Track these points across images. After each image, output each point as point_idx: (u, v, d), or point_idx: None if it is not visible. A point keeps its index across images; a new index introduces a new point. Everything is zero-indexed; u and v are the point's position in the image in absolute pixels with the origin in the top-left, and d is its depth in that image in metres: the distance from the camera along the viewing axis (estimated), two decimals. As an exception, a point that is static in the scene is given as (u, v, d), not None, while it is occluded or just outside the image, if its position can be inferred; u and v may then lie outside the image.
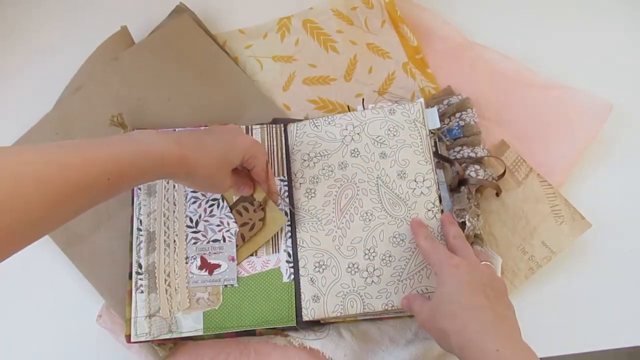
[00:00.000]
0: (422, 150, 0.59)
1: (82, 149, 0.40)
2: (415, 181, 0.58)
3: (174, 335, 0.56)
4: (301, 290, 0.58)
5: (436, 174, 0.59)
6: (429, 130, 0.61)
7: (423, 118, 0.60)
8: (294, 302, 0.58)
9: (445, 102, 0.65)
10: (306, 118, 0.66)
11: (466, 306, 0.45)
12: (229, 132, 0.53)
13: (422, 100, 0.61)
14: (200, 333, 0.57)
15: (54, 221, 0.39)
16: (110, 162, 0.41)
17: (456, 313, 0.45)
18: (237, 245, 0.59)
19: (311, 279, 0.58)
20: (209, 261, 0.59)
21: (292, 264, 0.59)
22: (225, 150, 0.51)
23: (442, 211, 0.58)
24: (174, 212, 0.60)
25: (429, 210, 0.57)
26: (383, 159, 0.60)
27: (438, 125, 0.62)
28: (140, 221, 0.59)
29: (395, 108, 0.61)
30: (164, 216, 0.60)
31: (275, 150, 0.63)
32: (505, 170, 0.63)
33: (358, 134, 0.61)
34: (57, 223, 0.39)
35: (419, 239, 0.53)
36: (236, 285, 0.58)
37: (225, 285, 0.58)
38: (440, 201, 0.58)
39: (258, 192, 0.59)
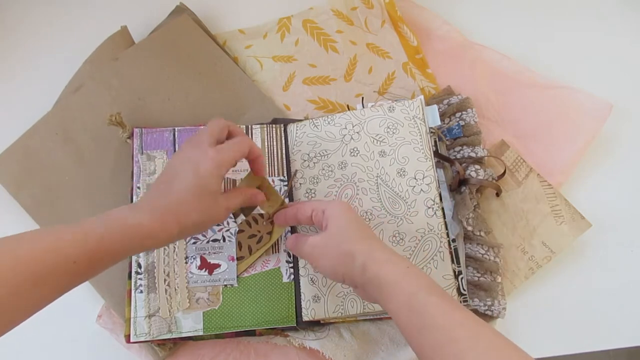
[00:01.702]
0: (422, 147, 0.59)
1: (43, 235, 0.39)
2: (415, 178, 0.58)
3: (174, 335, 0.56)
4: (301, 291, 0.58)
5: (436, 172, 0.59)
6: (429, 129, 0.61)
7: (423, 114, 0.60)
8: (294, 302, 0.58)
9: (445, 102, 0.65)
10: (306, 118, 0.66)
11: (367, 234, 0.49)
12: (188, 158, 0.47)
13: (422, 97, 0.61)
14: (200, 333, 0.56)
15: (13, 315, 0.37)
16: (75, 245, 0.39)
17: (359, 237, 0.47)
18: (242, 257, 0.59)
19: (311, 279, 0.58)
20: (208, 261, 0.59)
21: (292, 264, 0.59)
22: (198, 183, 0.46)
23: (442, 209, 0.58)
24: (173, 212, 0.60)
25: (429, 208, 0.57)
26: (382, 157, 0.60)
27: (438, 122, 0.62)
28: (140, 221, 0.59)
29: (394, 105, 0.61)
30: (164, 216, 0.60)
31: (275, 150, 0.63)
32: (505, 170, 0.63)
33: (357, 132, 0.61)
34: (18, 316, 0.37)
35: (301, 249, 0.51)
36: (236, 285, 0.58)
37: (225, 285, 0.58)
38: (441, 199, 0.58)
39: (268, 205, 0.56)
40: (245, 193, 0.52)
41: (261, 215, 0.58)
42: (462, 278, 0.56)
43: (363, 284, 0.45)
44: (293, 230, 0.60)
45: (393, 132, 0.60)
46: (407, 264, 0.45)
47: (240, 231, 0.59)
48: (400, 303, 0.42)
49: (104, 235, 0.40)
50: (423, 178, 0.58)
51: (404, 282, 0.42)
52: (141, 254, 0.58)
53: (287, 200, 0.61)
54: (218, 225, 0.59)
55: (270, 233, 0.58)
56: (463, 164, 0.62)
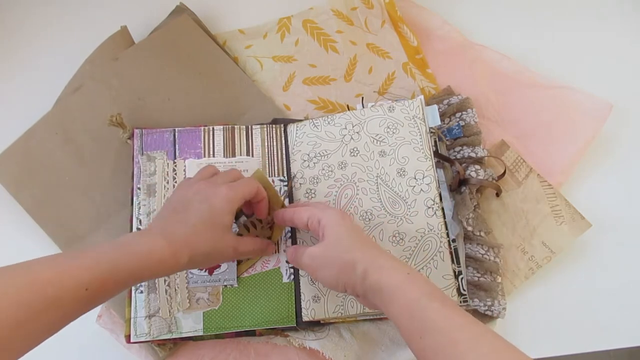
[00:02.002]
0: (422, 147, 0.59)
1: (54, 261, 0.39)
2: (414, 178, 0.58)
3: (174, 336, 0.56)
4: (301, 291, 0.58)
5: (436, 172, 0.59)
6: (429, 129, 0.61)
7: (423, 114, 0.60)
8: (294, 302, 0.58)
9: (445, 102, 0.65)
10: (306, 118, 0.66)
11: (365, 241, 0.49)
12: (203, 190, 0.49)
13: (421, 96, 0.61)
14: (200, 333, 0.56)
15: (22, 342, 0.36)
16: (87, 271, 0.39)
17: (358, 246, 0.48)
18: (241, 260, 0.59)
19: (311, 279, 0.58)
20: (208, 261, 0.59)
21: (292, 264, 0.59)
22: (212, 216, 0.48)
23: (442, 209, 0.58)
24: (173, 212, 0.60)
25: (429, 208, 0.57)
26: (382, 157, 0.60)
27: (438, 122, 0.62)
28: (140, 221, 0.59)
29: (394, 105, 0.61)
30: (164, 216, 0.60)
31: (275, 151, 0.63)
32: (505, 170, 0.63)
33: (357, 132, 0.61)
34: (26, 344, 0.37)
35: (300, 260, 0.52)
36: (236, 285, 0.58)
37: (225, 286, 0.58)
38: (441, 199, 0.58)
39: (275, 235, 0.58)
40: (260, 244, 0.55)
41: (260, 220, 0.58)
42: (462, 278, 0.56)
43: (364, 291, 0.45)
44: (293, 234, 0.60)
45: (393, 132, 0.60)
46: (407, 269, 0.45)
47: (238, 234, 0.59)
48: (402, 308, 0.42)
49: (115, 263, 0.41)
50: (423, 178, 0.58)
51: (406, 288, 0.42)
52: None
53: (286, 201, 0.61)
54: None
55: (270, 237, 0.58)
56: (463, 164, 0.62)
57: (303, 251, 0.50)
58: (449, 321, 0.40)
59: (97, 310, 0.60)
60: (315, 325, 0.59)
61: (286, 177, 0.62)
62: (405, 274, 0.44)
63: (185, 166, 0.62)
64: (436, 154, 0.61)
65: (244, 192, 0.50)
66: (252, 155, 0.63)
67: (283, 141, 0.63)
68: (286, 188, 0.62)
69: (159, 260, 0.43)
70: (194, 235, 0.46)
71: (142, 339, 0.56)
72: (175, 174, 0.61)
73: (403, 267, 0.45)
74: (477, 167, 0.61)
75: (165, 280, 0.58)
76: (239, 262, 0.59)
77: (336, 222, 0.49)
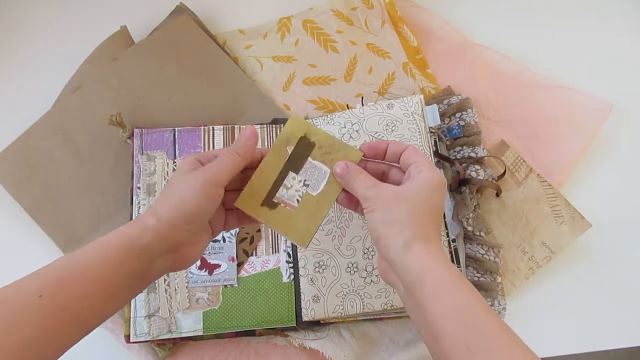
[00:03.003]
0: (421, 144, 0.59)
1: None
2: None
3: (174, 335, 0.56)
4: (301, 290, 0.58)
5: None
6: (429, 129, 0.61)
7: (422, 111, 0.60)
8: (294, 302, 0.58)
9: (445, 102, 0.65)
10: (306, 118, 0.66)
11: (435, 219, 0.43)
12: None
13: (421, 95, 0.61)
14: (200, 333, 0.56)
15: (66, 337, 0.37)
16: (36, 277, 0.36)
17: (426, 218, 0.42)
18: (241, 262, 0.59)
19: (311, 279, 0.58)
20: (208, 261, 0.59)
21: (292, 264, 0.59)
22: (173, 175, 0.44)
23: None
24: (173, 211, 0.60)
25: (444, 195, 0.57)
26: (382, 156, 0.60)
27: (438, 122, 0.62)
28: (140, 221, 0.59)
29: (393, 102, 0.61)
30: (164, 216, 0.60)
31: (275, 150, 0.63)
32: (505, 170, 0.63)
33: (357, 131, 0.61)
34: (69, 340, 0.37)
35: (359, 186, 0.45)
36: (236, 285, 0.58)
37: (225, 285, 0.58)
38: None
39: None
40: (234, 151, 0.46)
41: None
42: (462, 278, 0.56)
43: (397, 263, 0.40)
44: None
45: (392, 130, 0.60)
46: (458, 271, 0.40)
47: None
48: (448, 309, 0.37)
49: (75, 258, 0.38)
50: None
51: (456, 288, 0.38)
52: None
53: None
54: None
55: (259, 231, 0.58)
56: (463, 164, 0.62)
57: (363, 177, 0.45)
58: (505, 342, 0.37)
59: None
60: (315, 325, 0.59)
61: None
62: (457, 274, 0.39)
63: (185, 166, 0.62)
64: (436, 153, 0.61)
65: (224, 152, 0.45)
66: (252, 155, 0.63)
67: (283, 141, 0.63)
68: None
69: (120, 234, 0.39)
70: (156, 200, 0.43)
71: (142, 339, 0.56)
72: (175, 173, 0.61)
73: (453, 266, 0.40)
74: (477, 167, 0.61)
75: (165, 280, 0.58)
76: (239, 264, 0.59)
77: (432, 184, 0.43)
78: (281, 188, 0.47)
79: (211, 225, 0.46)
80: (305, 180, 0.47)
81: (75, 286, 0.37)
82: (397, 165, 0.47)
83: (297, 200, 0.47)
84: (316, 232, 0.47)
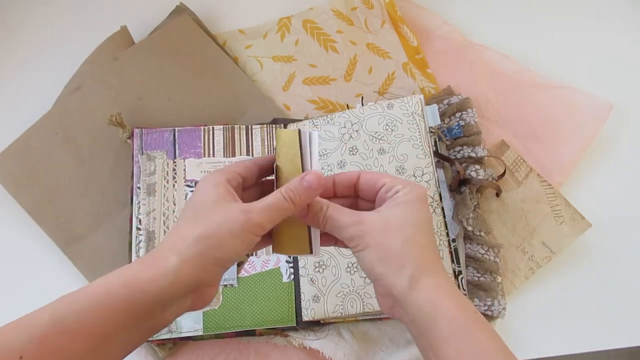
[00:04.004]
0: (421, 144, 0.59)
1: None
2: (414, 176, 0.58)
3: (174, 335, 0.56)
4: (301, 290, 0.58)
5: (436, 172, 0.59)
6: (429, 129, 0.61)
7: (422, 111, 0.60)
8: (294, 302, 0.58)
9: (445, 102, 0.65)
10: (306, 118, 0.66)
11: (431, 244, 0.39)
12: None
13: (421, 95, 0.61)
14: (200, 333, 0.56)
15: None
16: (23, 330, 0.31)
17: (424, 245, 0.38)
18: (241, 262, 0.59)
19: (311, 279, 0.58)
20: (208, 261, 0.58)
21: (291, 264, 0.59)
22: (192, 200, 0.38)
23: (442, 208, 0.57)
24: (173, 211, 0.60)
25: (429, 205, 0.57)
26: (381, 155, 0.60)
27: (438, 122, 0.62)
28: (140, 220, 0.59)
29: (393, 102, 0.61)
30: (164, 215, 0.60)
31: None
32: (505, 170, 0.63)
33: (356, 131, 0.61)
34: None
35: (337, 219, 0.39)
36: (236, 285, 0.58)
37: (225, 285, 0.58)
38: (441, 198, 0.58)
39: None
40: (282, 197, 0.38)
41: None
42: (462, 278, 0.56)
43: (406, 302, 0.36)
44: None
45: (392, 130, 0.60)
46: (473, 308, 0.37)
47: None
48: (465, 354, 0.34)
49: (60, 309, 0.32)
50: (422, 175, 0.58)
51: (474, 335, 0.35)
52: (141, 254, 0.58)
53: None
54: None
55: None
56: (463, 164, 0.62)
57: (337, 214, 0.39)
58: None
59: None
60: (315, 325, 0.59)
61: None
62: (473, 313, 0.36)
63: (185, 166, 0.62)
64: (436, 153, 0.61)
65: (230, 166, 0.41)
66: (252, 155, 0.63)
67: (283, 141, 0.63)
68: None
69: (127, 278, 0.33)
70: (176, 229, 0.36)
71: (142, 339, 0.56)
72: (175, 173, 0.61)
73: (469, 304, 0.37)
74: (477, 167, 0.61)
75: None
76: (239, 264, 0.59)
77: (415, 199, 0.39)
78: None
79: None
80: None
81: (64, 345, 0.31)
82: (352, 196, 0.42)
83: None
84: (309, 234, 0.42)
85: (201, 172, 0.62)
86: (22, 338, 0.30)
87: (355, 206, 0.43)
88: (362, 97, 0.67)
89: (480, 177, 0.60)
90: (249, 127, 0.64)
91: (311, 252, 0.41)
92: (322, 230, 0.40)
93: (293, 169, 0.40)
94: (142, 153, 0.61)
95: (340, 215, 0.39)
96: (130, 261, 0.58)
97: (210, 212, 0.36)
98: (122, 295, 0.32)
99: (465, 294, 0.56)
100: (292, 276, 0.59)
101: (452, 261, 0.56)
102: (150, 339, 0.56)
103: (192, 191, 0.60)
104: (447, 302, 0.36)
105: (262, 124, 0.64)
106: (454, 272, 0.56)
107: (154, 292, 0.33)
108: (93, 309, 0.32)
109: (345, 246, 0.40)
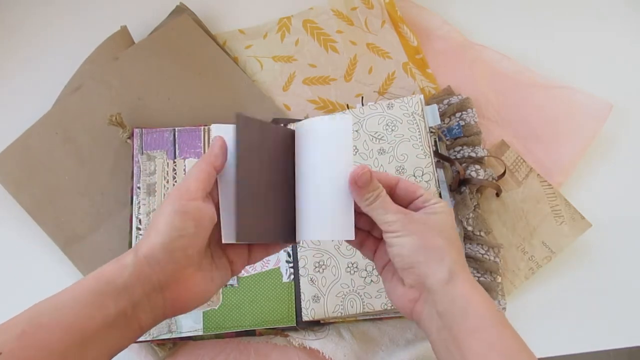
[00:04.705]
0: (421, 144, 0.59)
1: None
2: (414, 176, 0.58)
3: (174, 335, 0.56)
4: (301, 290, 0.58)
5: (436, 172, 0.59)
6: (429, 129, 0.61)
7: (422, 111, 0.60)
8: (294, 302, 0.58)
9: (445, 102, 0.65)
10: (306, 118, 0.66)
11: (462, 250, 0.42)
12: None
13: (421, 95, 0.61)
14: (200, 333, 0.56)
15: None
16: (2, 330, 0.32)
17: (459, 248, 0.41)
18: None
19: (311, 279, 0.58)
20: (208, 261, 0.58)
21: (292, 264, 0.59)
22: (167, 198, 0.38)
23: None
24: (173, 211, 0.60)
25: None
26: (381, 155, 0.60)
27: (438, 122, 0.62)
28: (140, 220, 0.59)
29: (393, 102, 0.61)
30: (164, 216, 0.60)
31: (275, 150, 0.63)
32: (505, 170, 0.63)
33: (356, 131, 0.61)
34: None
35: (380, 207, 0.41)
36: (236, 285, 0.58)
37: (225, 285, 0.58)
38: (441, 198, 0.58)
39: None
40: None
41: None
42: (462, 278, 0.56)
43: (437, 293, 0.38)
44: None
45: (392, 130, 0.60)
46: (499, 309, 0.40)
47: None
48: (492, 349, 0.36)
49: (36, 311, 0.34)
50: (422, 175, 0.58)
51: (504, 331, 0.37)
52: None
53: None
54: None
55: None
56: (463, 164, 0.62)
57: (387, 199, 0.41)
58: None
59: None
60: (315, 325, 0.59)
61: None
62: (499, 313, 0.38)
63: (185, 165, 0.62)
64: (436, 153, 0.61)
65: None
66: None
67: (283, 141, 0.63)
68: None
69: (95, 275, 0.35)
70: (149, 226, 0.38)
71: (142, 339, 0.56)
72: (175, 173, 0.61)
73: (494, 302, 0.39)
74: (477, 167, 0.61)
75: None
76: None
77: (449, 213, 0.42)
78: None
79: (230, 259, 0.41)
80: None
81: (42, 338, 0.32)
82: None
83: None
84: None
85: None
86: (1, 336, 0.31)
87: None
88: (362, 97, 0.67)
89: (480, 177, 0.60)
90: (249, 127, 0.64)
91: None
92: (369, 209, 0.41)
93: None
94: (142, 153, 0.61)
95: (389, 199, 0.41)
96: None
97: (154, 214, 0.39)
98: (92, 289, 0.34)
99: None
100: (292, 276, 0.59)
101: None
102: (150, 339, 0.56)
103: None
104: (479, 298, 0.37)
105: (262, 124, 0.64)
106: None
107: (117, 282, 0.35)
108: (68, 303, 0.33)
109: (365, 250, 0.44)
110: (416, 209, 0.42)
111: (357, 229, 0.43)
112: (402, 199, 0.43)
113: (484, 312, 0.37)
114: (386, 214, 0.40)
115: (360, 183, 0.40)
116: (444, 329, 0.37)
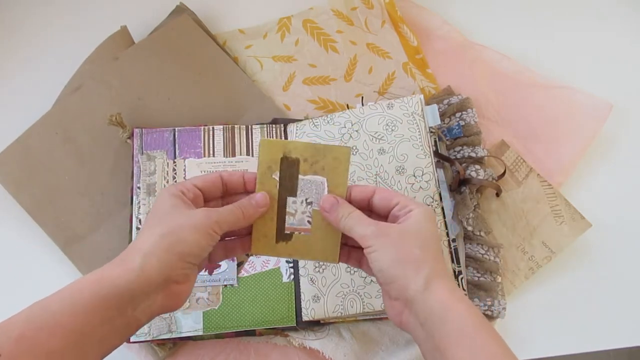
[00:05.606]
0: (421, 144, 0.59)
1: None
2: (414, 176, 0.58)
3: (174, 335, 0.56)
4: (301, 290, 0.58)
5: (436, 172, 0.59)
6: (429, 129, 0.61)
7: (422, 111, 0.60)
8: (294, 302, 0.58)
9: (445, 102, 0.65)
10: (306, 118, 0.66)
11: (441, 256, 0.42)
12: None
13: (421, 95, 0.61)
14: (200, 333, 0.56)
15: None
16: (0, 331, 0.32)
17: (436, 254, 0.41)
18: (241, 262, 0.59)
19: (311, 279, 0.58)
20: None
21: (292, 264, 0.59)
22: (155, 203, 0.41)
23: (442, 208, 0.58)
24: (173, 211, 0.60)
25: (429, 205, 0.57)
26: (381, 155, 0.60)
27: (438, 122, 0.62)
28: (140, 220, 0.59)
29: (393, 102, 0.61)
30: (164, 216, 0.60)
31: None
32: (505, 170, 0.63)
33: (356, 131, 0.61)
34: None
35: (356, 224, 0.42)
36: (236, 285, 0.58)
37: (225, 285, 0.58)
38: (441, 198, 0.58)
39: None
40: (243, 205, 0.43)
41: None
42: (462, 278, 0.56)
43: (417, 303, 0.38)
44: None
45: (392, 130, 0.60)
46: (481, 314, 0.39)
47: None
48: (474, 354, 0.35)
49: (31, 313, 0.34)
50: (422, 175, 0.58)
51: (485, 335, 0.36)
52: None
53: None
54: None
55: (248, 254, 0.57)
56: (463, 164, 0.62)
57: (358, 214, 0.42)
58: None
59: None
60: (315, 325, 0.59)
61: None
62: (479, 314, 0.38)
63: (185, 165, 0.62)
64: (436, 153, 0.61)
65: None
66: (252, 155, 0.63)
67: (283, 141, 0.63)
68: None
69: (96, 277, 0.36)
70: (140, 234, 0.39)
71: (142, 339, 0.56)
72: (175, 173, 0.61)
73: (475, 307, 0.39)
74: (477, 167, 0.61)
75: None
76: (239, 264, 0.59)
77: (427, 218, 0.41)
78: (287, 217, 0.45)
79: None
80: (307, 199, 0.45)
81: (40, 342, 0.32)
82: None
83: (308, 221, 0.45)
84: (340, 242, 0.45)
85: (201, 172, 0.62)
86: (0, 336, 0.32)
87: None
88: (362, 97, 0.67)
89: (480, 177, 0.60)
90: (249, 127, 0.64)
91: (337, 261, 0.45)
92: (341, 226, 0.42)
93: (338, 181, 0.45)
94: (142, 153, 0.62)
95: (361, 215, 0.42)
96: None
97: (171, 215, 0.39)
98: (92, 291, 0.34)
99: (466, 294, 0.55)
100: (292, 276, 0.59)
101: (452, 261, 0.56)
102: (150, 339, 0.56)
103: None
104: (458, 305, 0.37)
105: (262, 124, 0.64)
106: (454, 272, 0.56)
107: (122, 285, 0.35)
108: (66, 306, 0.33)
109: (356, 265, 0.46)
110: (395, 219, 0.42)
111: (343, 244, 0.45)
112: (382, 209, 0.44)
113: (465, 317, 0.37)
114: (359, 229, 0.41)
115: (327, 207, 0.43)
116: (428, 339, 0.38)
